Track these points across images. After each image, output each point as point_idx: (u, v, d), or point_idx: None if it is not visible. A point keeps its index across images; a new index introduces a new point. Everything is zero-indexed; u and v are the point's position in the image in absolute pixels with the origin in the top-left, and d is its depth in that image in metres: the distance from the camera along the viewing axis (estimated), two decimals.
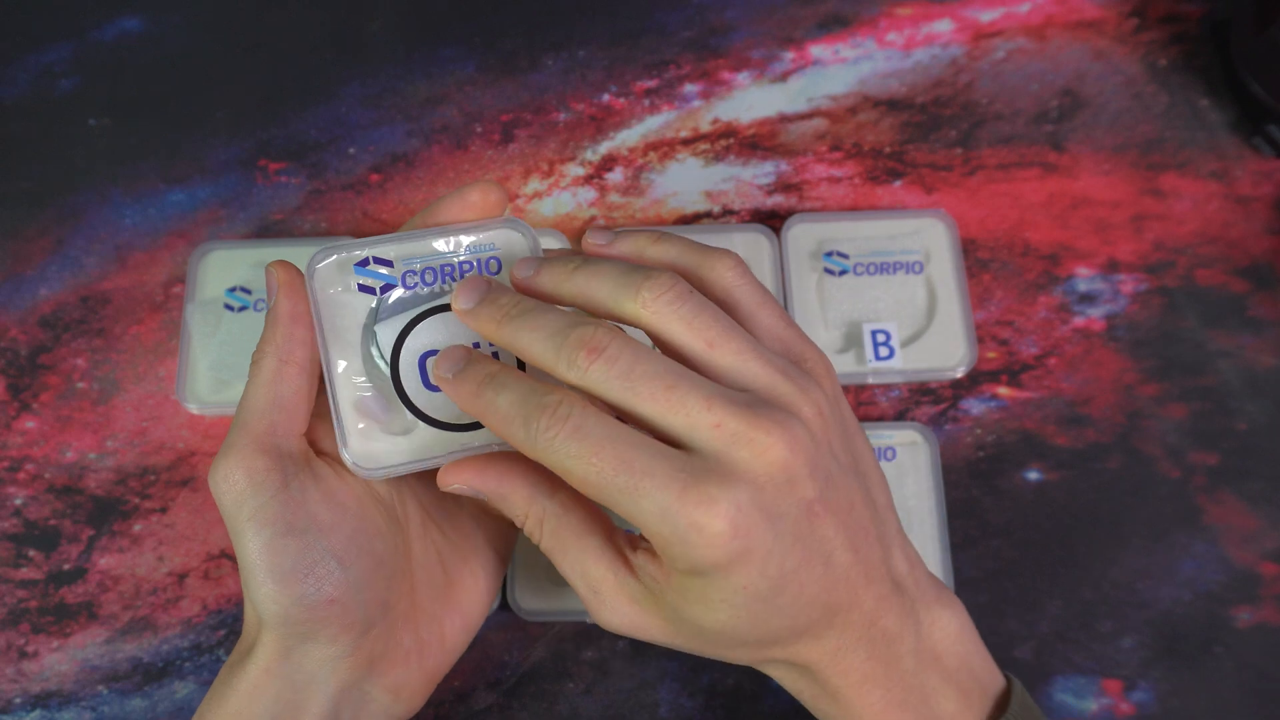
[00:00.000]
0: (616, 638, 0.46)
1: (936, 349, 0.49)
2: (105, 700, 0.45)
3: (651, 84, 0.56)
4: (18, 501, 0.48)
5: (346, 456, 0.34)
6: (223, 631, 0.46)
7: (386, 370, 0.35)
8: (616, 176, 0.54)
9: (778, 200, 0.53)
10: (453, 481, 0.34)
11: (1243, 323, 0.50)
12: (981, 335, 0.50)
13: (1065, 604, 0.46)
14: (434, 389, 0.35)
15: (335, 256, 0.35)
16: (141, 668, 0.46)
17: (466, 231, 0.36)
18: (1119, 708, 0.44)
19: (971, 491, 0.48)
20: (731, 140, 0.54)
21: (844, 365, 0.49)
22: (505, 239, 0.36)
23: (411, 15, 0.58)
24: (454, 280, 0.36)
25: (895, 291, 0.50)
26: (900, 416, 0.49)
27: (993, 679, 0.36)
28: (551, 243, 0.51)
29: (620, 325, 0.32)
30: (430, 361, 0.35)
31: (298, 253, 0.50)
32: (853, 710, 0.34)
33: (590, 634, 0.46)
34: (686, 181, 0.54)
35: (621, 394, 0.30)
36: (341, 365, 0.35)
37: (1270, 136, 0.52)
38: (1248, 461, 0.48)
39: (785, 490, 0.30)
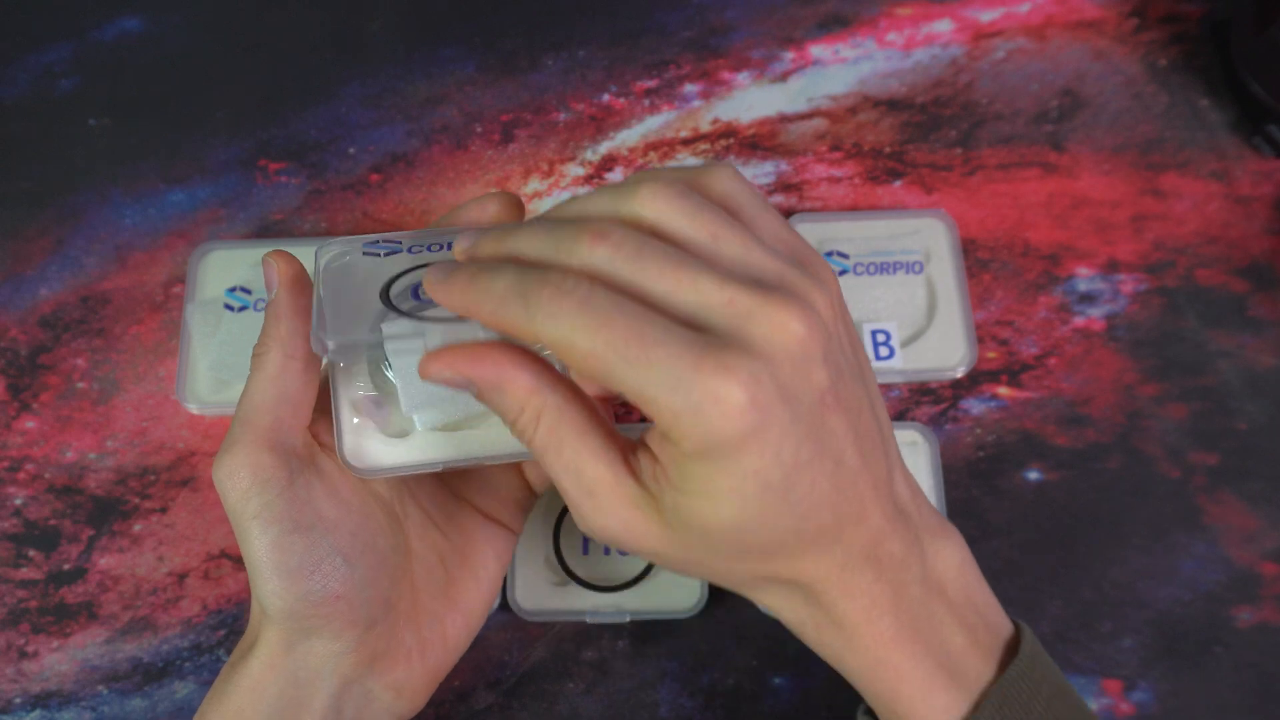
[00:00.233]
0: (617, 638, 0.46)
1: (936, 349, 0.49)
2: (105, 700, 0.45)
3: (651, 84, 0.56)
4: (18, 501, 0.48)
5: (344, 455, 0.34)
6: (223, 631, 0.46)
7: (388, 369, 0.35)
8: (617, 176, 0.54)
9: (778, 200, 0.53)
10: (444, 369, 0.30)
11: (1243, 323, 0.50)
12: (981, 335, 0.50)
13: (1065, 604, 0.46)
14: (434, 394, 0.35)
15: (342, 248, 0.34)
16: (141, 668, 0.46)
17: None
18: (1119, 708, 0.44)
19: (971, 491, 0.48)
20: (731, 140, 0.54)
21: None
22: None
23: (411, 15, 0.58)
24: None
25: (895, 291, 0.50)
26: (900, 416, 0.49)
27: (999, 619, 0.34)
28: None
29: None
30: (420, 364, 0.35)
31: (298, 253, 0.50)
32: (860, 639, 0.31)
33: (590, 634, 0.46)
34: None
35: (630, 273, 0.28)
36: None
37: (1270, 136, 0.52)
38: (1248, 461, 0.48)
39: (801, 372, 0.28)
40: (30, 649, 0.46)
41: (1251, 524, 0.47)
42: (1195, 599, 0.46)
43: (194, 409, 0.48)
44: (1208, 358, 0.49)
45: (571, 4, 0.58)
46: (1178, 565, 0.46)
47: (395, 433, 0.35)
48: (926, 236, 0.51)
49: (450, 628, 0.38)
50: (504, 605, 0.45)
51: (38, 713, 0.45)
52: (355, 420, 0.35)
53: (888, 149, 0.54)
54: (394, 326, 0.34)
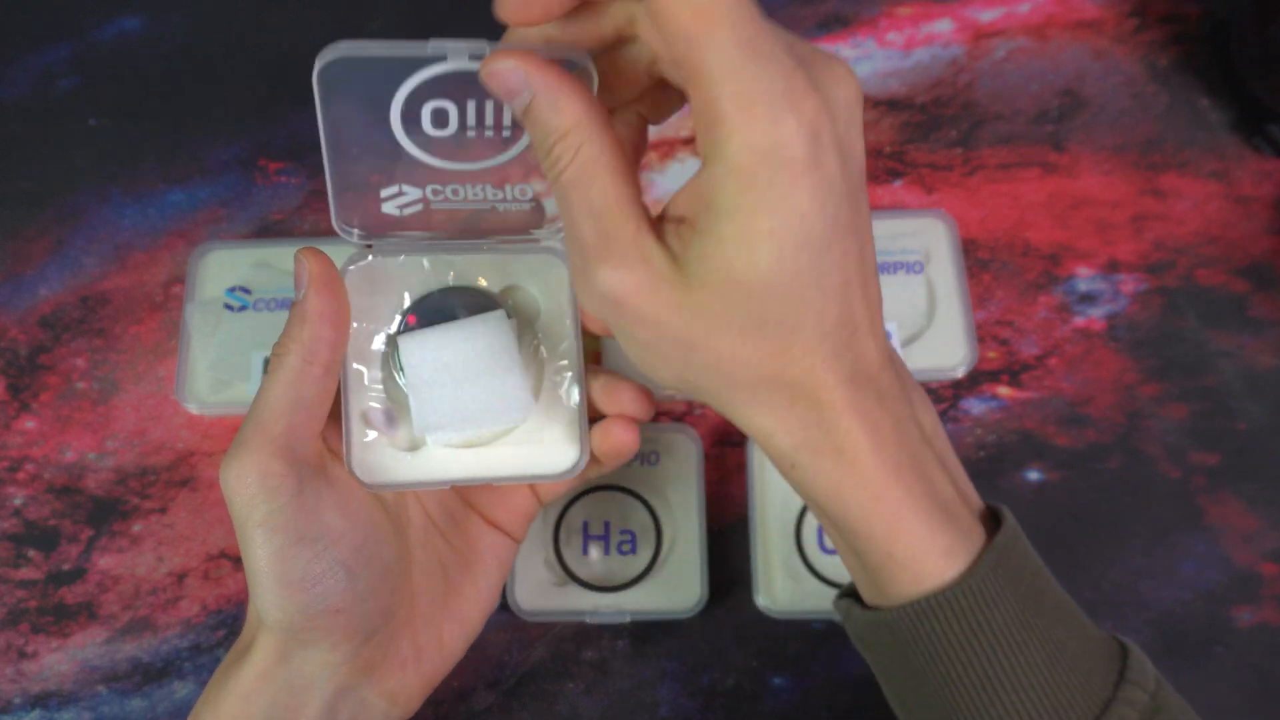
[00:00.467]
0: (617, 638, 0.46)
1: (937, 349, 0.49)
2: (105, 700, 0.45)
3: None
4: (17, 501, 0.48)
5: (353, 468, 0.34)
6: (222, 632, 0.46)
7: (404, 384, 0.35)
8: None
9: None
10: (510, 64, 0.28)
11: (1243, 323, 0.50)
12: (982, 335, 0.50)
13: None
14: (445, 403, 0.35)
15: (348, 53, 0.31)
16: (141, 668, 0.46)
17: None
18: None
19: None
20: None
21: None
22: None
23: (411, 15, 0.58)
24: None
25: (895, 291, 0.50)
26: None
27: (970, 490, 0.32)
28: None
29: None
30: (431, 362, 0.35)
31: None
32: (861, 468, 0.29)
33: (590, 634, 0.46)
34: None
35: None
36: (363, 373, 0.35)
37: (1270, 136, 0.52)
38: (1248, 461, 0.48)
39: (852, 132, 0.27)
40: (30, 649, 0.46)
41: (1251, 524, 0.47)
42: (1195, 599, 0.46)
43: (193, 409, 0.48)
44: (1208, 358, 0.49)
45: None
46: (1178, 565, 0.46)
47: (406, 447, 0.35)
48: (927, 236, 0.50)
49: (448, 635, 0.38)
50: (504, 605, 0.45)
51: (37, 713, 0.45)
52: (366, 435, 0.35)
53: (888, 149, 0.54)
54: (409, 337, 0.34)
